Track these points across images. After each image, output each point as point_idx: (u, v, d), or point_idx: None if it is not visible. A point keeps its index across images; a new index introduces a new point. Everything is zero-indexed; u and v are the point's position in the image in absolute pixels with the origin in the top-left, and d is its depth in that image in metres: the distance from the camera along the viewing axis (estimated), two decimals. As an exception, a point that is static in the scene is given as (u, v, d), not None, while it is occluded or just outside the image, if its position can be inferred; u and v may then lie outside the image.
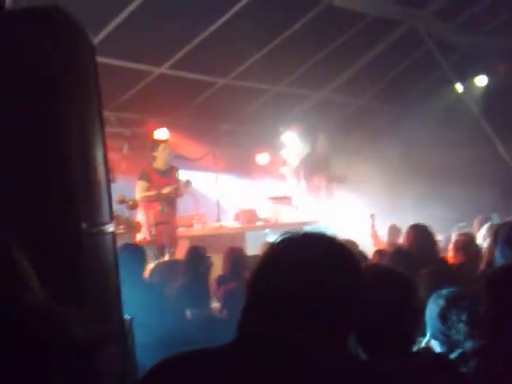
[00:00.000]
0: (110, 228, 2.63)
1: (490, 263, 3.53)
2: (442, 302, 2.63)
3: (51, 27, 2.29)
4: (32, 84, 2.27)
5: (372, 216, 7.96)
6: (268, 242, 5.48)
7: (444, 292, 2.64)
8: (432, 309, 2.66)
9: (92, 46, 2.64)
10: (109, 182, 2.72)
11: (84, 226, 2.28)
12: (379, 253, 5.30)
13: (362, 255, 5.10)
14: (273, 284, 1.41)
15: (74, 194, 2.29)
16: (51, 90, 2.27)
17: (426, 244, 4.99)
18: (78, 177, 2.32)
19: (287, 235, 1.50)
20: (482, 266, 4.28)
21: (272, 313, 1.39)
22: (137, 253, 5.15)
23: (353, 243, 6.21)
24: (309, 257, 1.42)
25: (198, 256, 5.44)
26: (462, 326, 2.52)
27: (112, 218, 2.70)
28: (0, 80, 2.22)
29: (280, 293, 1.39)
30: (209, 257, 5.51)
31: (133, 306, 3.56)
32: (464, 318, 2.53)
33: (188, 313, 4.67)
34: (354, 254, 1.51)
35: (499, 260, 2.48)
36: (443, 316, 2.61)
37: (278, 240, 1.51)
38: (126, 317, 2.75)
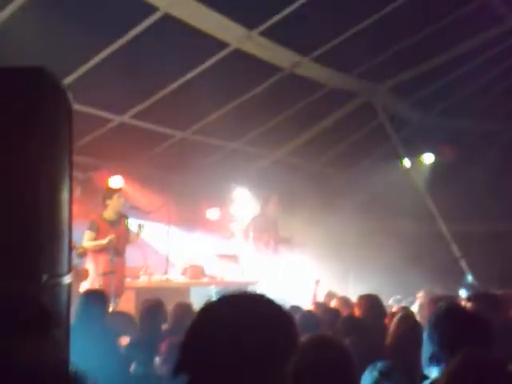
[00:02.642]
0: (67, 279, 2.66)
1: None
2: (376, 373, 2.79)
3: (33, 83, 2.42)
4: (12, 131, 2.38)
5: (317, 282, 8.12)
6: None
7: (379, 365, 2.81)
8: (366, 379, 2.82)
9: (68, 99, 2.76)
10: (71, 229, 2.76)
11: (45, 277, 2.33)
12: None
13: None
14: (199, 347, 1.49)
15: (38, 245, 2.34)
16: (28, 138, 2.37)
17: (377, 313, 5.13)
18: (43, 227, 2.37)
19: (219, 296, 1.60)
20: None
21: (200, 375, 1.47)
22: (100, 300, 5.13)
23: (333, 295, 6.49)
24: (233, 321, 1.50)
25: (157, 310, 5.44)
26: (389, 399, 2.68)
27: (70, 268, 2.74)
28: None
29: (209, 356, 1.47)
30: (165, 312, 5.51)
31: (88, 353, 3.58)
32: (392, 391, 2.69)
33: (132, 367, 4.65)
34: (284, 320, 1.54)
35: (426, 343, 2.66)
36: (375, 388, 2.77)
37: (210, 302, 1.61)
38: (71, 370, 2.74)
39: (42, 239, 2.36)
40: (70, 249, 2.77)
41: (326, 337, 2.32)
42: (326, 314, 5.52)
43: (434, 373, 2.60)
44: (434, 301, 5.73)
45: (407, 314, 4.76)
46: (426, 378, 2.70)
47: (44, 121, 2.46)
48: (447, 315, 2.71)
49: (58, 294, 2.57)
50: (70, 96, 2.79)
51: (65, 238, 2.66)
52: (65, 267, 2.65)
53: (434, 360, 2.61)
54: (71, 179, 2.77)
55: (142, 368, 4.63)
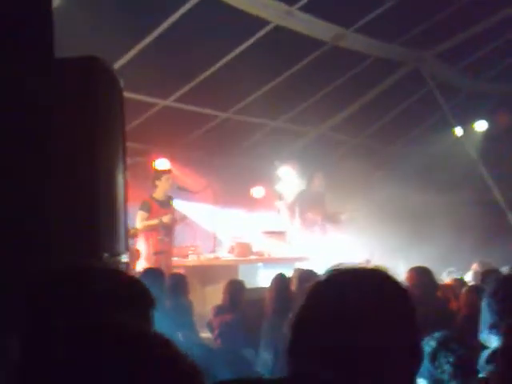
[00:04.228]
0: (125, 258, 2.73)
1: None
2: (433, 343, 2.79)
3: (89, 71, 2.51)
4: (72, 117, 2.46)
5: (368, 261, 8.09)
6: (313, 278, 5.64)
7: (436, 334, 2.81)
8: (424, 349, 2.82)
9: (119, 85, 2.84)
10: (126, 210, 2.84)
11: (106, 255, 2.41)
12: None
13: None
14: (319, 325, 1.38)
15: (99, 226, 2.42)
16: (87, 124, 2.45)
17: (429, 286, 5.09)
18: (104, 208, 2.45)
19: (335, 272, 1.46)
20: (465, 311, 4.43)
21: (320, 354, 1.37)
22: (159, 278, 5.28)
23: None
24: (358, 300, 1.37)
25: (178, 282, 5.65)
26: (447, 368, 2.69)
27: (127, 247, 2.81)
28: (48, 113, 2.40)
29: (329, 335, 1.36)
30: (187, 283, 5.74)
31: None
32: (451, 360, 2.70)
33: (180, 335, 4.75)
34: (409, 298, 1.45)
35: (484, 312, 2.65)
36: (433, 357, 2.78)
37: (326, 277, 1.46)
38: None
39: (101, 219, 2.45)
40: (126, 229, 2.84)
41: None
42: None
43: (493, 342, 2.59)
44: (488, 272, 5.67)
45: (475, 286, 4.71)
46: (485, 347, 2.70)
47: (100, 106, 2.55)
48: (506, 283, 2.69)
49: (118, 272, 2.64)
50: (121, 82, 2.87)
51: (121, 219, 2.74)
52: (122, 246, 2.73)
53: (494, 329, 2.60)
54: (125, 163, 2.85)
55: (189, 336, 4.72)
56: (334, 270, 1.47)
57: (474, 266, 7.55)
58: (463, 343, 2.83)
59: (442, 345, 2.75)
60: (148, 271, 5.51)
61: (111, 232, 2.57)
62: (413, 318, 1.43)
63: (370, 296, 1.40)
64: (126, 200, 2.79)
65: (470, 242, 9.54)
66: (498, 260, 7.84)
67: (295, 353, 1.41)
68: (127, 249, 2.82)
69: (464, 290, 4.57)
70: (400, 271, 7.30)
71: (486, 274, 5.44)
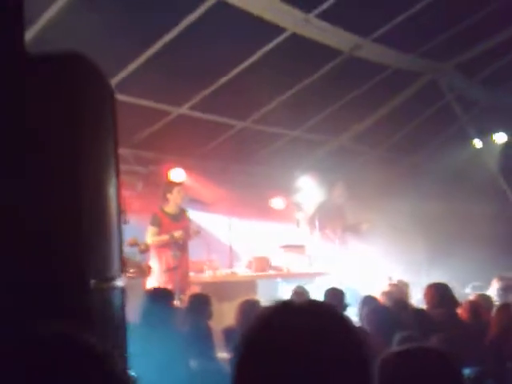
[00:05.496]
0: (120, 282, 2.49)
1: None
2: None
3: (71, 71, 2.28)
4: (52, 123, 2.23)
5: (390, 278, 7.89)
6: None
7: (467, 372, 2.50)
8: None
9: (110, 87, 2.61)
10: (120, 226, 2.60)
11: (93, 283, 2.16)
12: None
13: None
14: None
15: (85, 248, 2.17)
16: (70, 128, 2.21)
17: (447, 304, 4.84)
18: (90, 227, 2.21)
19: (281, 310, 1.38)
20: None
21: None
22: (165, 298, 5.03)
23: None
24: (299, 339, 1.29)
25: (199, 304, 5.38)
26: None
27: (122, 269, 2.57)
28: (22, 118, 2.17)
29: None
30: (210, 305, 5.47)
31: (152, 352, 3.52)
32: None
33: (192, 363, 4.53)
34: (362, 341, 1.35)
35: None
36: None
37: (270, 314, 1.38)
38: (132, 375, 2.60)
39: (88, 240, 2.19)
40: (121, 247, 2.60)
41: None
42: (395, 306, 5.24)
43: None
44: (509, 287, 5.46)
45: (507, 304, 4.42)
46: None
47: (84, 109, 2.29)
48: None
49: (110, 298, 2.40)
50: (111, 82, 2.62)
51: (114, 237, 2.49)
52: (116, 269, 2.48)
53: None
54: (118, 174, 2.59)
55: (203, 363, 4.52)
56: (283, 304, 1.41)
57: (494, 281, 7.28)
58: (500, 378, 2.54)
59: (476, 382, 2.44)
60: (153, 292, 5.23)
61: (101, 254, 2.32)
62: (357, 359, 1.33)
63: (307, 334, 1.31)
64: (119, 216, 2.55)
65: (492, 255, 9.27)
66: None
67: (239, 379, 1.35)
68: (123, 271, 2.58)
69: (495, 310, 4.26)
70: (422, 284, 7.06)
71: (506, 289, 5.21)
